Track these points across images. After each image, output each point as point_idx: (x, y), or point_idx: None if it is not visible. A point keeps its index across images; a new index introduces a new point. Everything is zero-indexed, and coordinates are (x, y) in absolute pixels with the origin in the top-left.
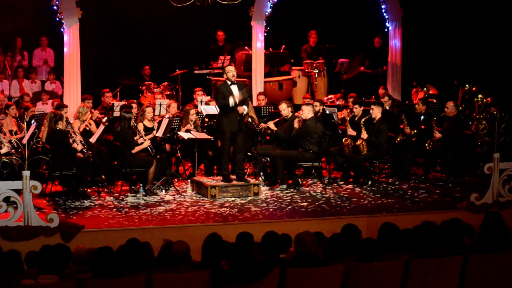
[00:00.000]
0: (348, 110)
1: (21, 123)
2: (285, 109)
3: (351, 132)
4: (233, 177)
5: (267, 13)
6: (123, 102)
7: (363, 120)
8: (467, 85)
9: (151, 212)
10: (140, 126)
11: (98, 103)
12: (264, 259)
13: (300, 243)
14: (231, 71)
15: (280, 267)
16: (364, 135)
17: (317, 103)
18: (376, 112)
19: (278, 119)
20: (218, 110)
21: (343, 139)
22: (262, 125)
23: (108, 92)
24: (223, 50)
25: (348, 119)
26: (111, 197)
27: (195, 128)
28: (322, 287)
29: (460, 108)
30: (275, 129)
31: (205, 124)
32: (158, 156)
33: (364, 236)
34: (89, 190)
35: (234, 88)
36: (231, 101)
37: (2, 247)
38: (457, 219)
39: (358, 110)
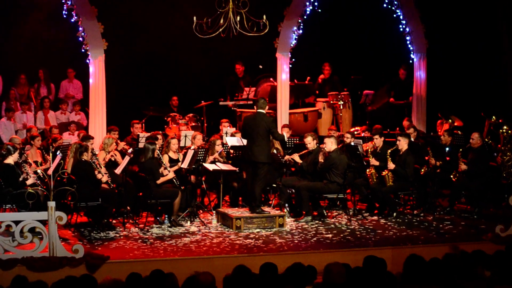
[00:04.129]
0: (373, 142)
1: (46, 154)
2: (310, 142)
3: (374, 162)
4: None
5: (292, 45)
6: (148, 134)
7: (389, 151)
8: (493, 117)
9: (176, 243)
10: (165, 158)
11: (123, 134)
12: None
13: (328, 274)
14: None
15: None
16: (391, 165)
17: (348, 135)
18: (403, 144)
19: (303, 152)
20: (243, 141)
21: (367, 170)
22: (287, 157)
23: (137, 123)
24: (242, 81)
25: (371, 150)
26: (136, 228)
27: (221, 157)
28: None
29: (486, 139)
30: (300, 162)
31: (231, 155)
32: (183, 188)
33: (389, 268)
34: (114, 221)
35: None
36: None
37: (27, 278)
38: (481, 251)
39: (378, 141)
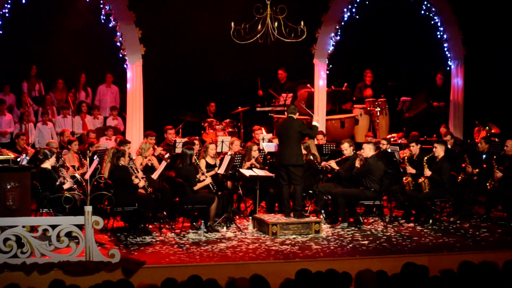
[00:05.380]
0: (410, 150)
1: (83, 159)
2: (347, 148)
3: (410, 170)
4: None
5: (329, 51)
6: (185, 139)
7: (426, 158)
8: None
9: (212, 248)
10: (202, 163)
11: (160, 139)
12: None
13: (360, 281)
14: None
15: None
16: (428, 172)
17: (384, 142)
18: (439, 151)
19: (340, 158)
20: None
21: (404, 178)
22: (324, 163)
23: (171, 129)
24: (284, 88)
25: (407, 157)
26: (173, 234)
27: (257, 163)
28: None
29: None
30: (337, 168)
31: (267, 162)
32: (219, 193)
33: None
34: (150, 226)
35: None
36: None
37: (65, 282)
38: None
39: (415, 148)
